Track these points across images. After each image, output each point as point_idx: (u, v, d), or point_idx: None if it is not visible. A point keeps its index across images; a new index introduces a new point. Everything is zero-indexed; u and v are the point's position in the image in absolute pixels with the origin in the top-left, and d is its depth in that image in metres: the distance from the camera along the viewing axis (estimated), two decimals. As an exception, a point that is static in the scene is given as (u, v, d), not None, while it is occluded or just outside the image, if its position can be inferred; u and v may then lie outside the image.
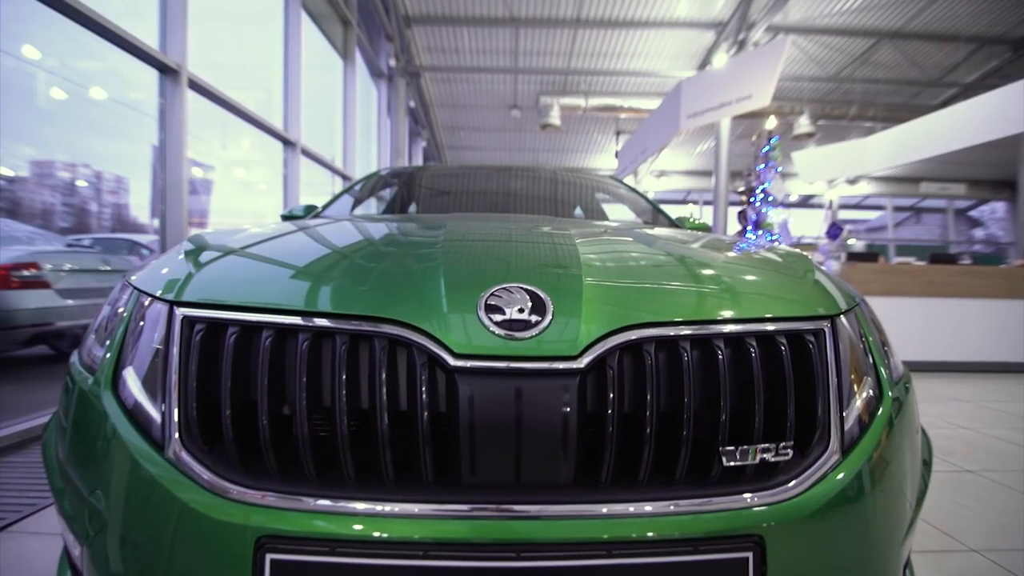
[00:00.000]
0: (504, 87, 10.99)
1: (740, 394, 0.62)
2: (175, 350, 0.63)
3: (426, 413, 0.57)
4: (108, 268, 4.75)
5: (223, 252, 0.81)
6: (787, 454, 0.61)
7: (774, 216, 3.85)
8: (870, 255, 5.03)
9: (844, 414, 0.67)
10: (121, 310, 0.79)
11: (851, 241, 7.69)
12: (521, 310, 0.61)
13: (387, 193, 2.43)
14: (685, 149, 14.22)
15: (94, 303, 4.45)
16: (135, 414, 0.64)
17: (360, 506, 0.55)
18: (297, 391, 0.58)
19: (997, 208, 17.90)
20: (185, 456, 0.58)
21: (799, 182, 12.53)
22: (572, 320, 0.61)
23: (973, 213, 19.06)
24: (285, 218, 2.01)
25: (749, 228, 4.20)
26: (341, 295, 0.64)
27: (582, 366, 0.59)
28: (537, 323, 0.61)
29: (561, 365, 0.58)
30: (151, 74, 3.42)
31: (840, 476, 0.62)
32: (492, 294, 0.63)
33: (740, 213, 4.48)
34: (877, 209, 19.10)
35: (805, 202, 17.60)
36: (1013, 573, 1.42)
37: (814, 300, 0.74)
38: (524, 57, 9.70)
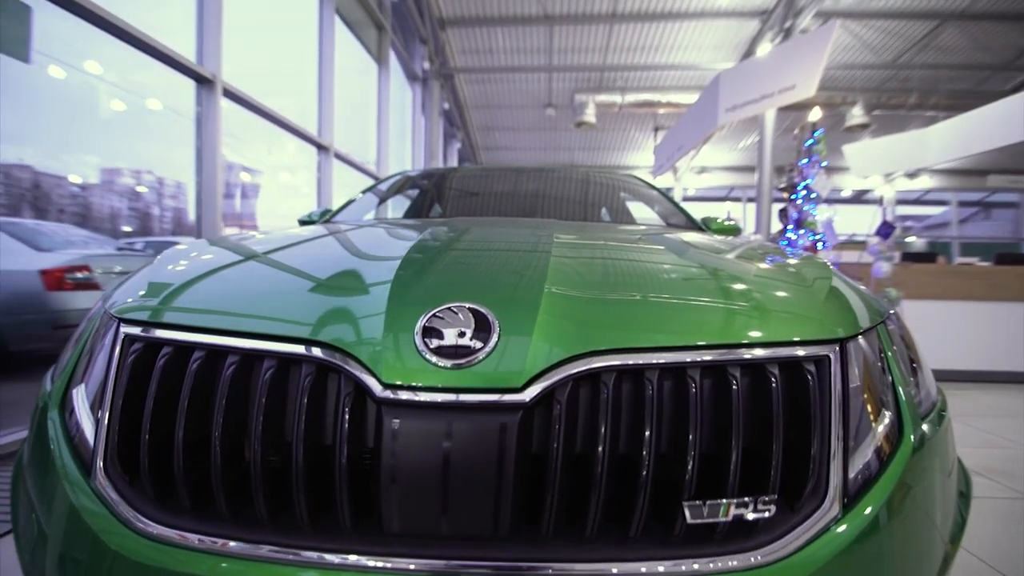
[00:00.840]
0: (538, 86, 10.90)
1: (717, 435, 0.53)
2: (113, 369, 0.60)
3: (345, 448, 0.51)
4: (154, 270, 5.02)
5: (180, 268, 0.78)
6: (768, 510, 0.51)
7: (818, 214, 3.60)
8: (928, 255, 4.64)
9: (849, 459, 0.56)
10: (84, 325, 0.78)
11: (910, 239, 7.16)
12: (461, 334, 0.54)
13: (408, 195, 2.41)
14: (728, 144, 13.69)
15: (141, 304, 4.69)
16: (74, 437, 0.62)
17: (270, 549, 0.50)
18: (215, 418, 0.53)
19: (1081, 201, 16.35)
20: (107, 484, 0.55)
21: (851, 177, 11.84)
22: (520, 345, 0.54)
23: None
24: (302, 222, 2.01)
25: (790, 227, 3.95)
26: (274, 314, 0.60)
27: (526, 400, 0.51)
28: (479, 349, 0.54)
29: (502, 398, 0.51)
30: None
31: (838, 535, 0.52)
32: (433, 315, 0.56)
33: (781, 211, 4.23)
34: (939, 204, 17.81)
35: (858, 198, 16.61)
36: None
37: (821, 318, 0.64)
38: (558, 55, 9.58)
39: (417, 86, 9.14)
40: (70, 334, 3.22)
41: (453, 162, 13.34)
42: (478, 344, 0.54)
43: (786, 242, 4.08)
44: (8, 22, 2.53)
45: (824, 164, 3.55)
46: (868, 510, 0.54)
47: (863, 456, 0.58)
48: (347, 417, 0.51)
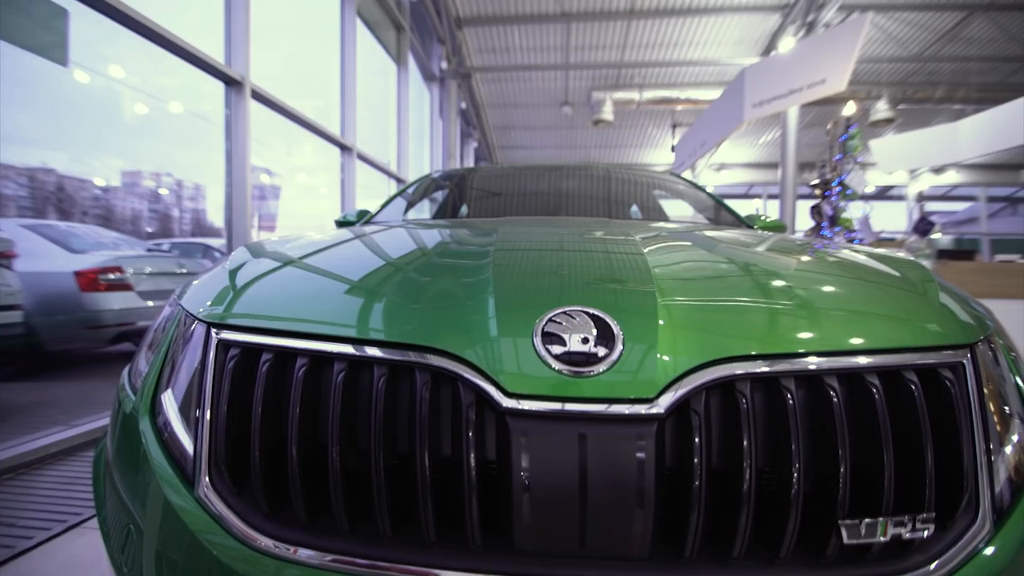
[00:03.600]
0: (555, 84, 10.85)
1: (860, 449, 0.50)
2: (209, 377, 0.59)
3: (473, 462, 0.48)
4: (184, 271, 5.06)
5: (265, 269, 0.77)
6: (927, 528, 0.48)
7: (853, 211, 3.52)
8: (965, 252, 4.51)
9: (994, 472, 0.52)
10: (166, 328, 0.76)
11: (936, 235, 6.98)
12: (585, 340, 0.52)
13: (439, 196, 2.40)
14: (747, 140, 13.50)
15: (169, 304, 4.75)
16: (169, 444, 0.60)
17: (394, 570, 0.48)
18: (331, 430, 0.51)
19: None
20: (212, 496, 0.53)
21: (877, 172, 11.59)
22: (648, 352, 0.51)
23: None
24: (339, 224, 2.00)
25: (824, 224, 3.87)
26: (381, 320, 0.58)
27: (661, 411, 0.48)
28: (605, 356, 0.51)
29: (635, 409, 0.48)
30: (220, 87, 3.58)
31: (991, 552, 0.48)
32: (550, 320, 0.53)
33: (814, 208, 4.14)
34: (965, 200, 17.37)
35: (883, 194, 16.28)
36: None
37: (945, 322, 0.60)
38: (575, 52, 9.51)
39: (434, 86, 9.15)
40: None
41: (470, 162, 13.34)
42: (602, 351, 0.51)
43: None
44: (45, 25, 2.56)
45: (860, 159, 3.47)
46: (1018, 523, 0.50)
47: (1006, 468, 0.54)
48: (474, 427, 0.49)
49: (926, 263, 3.49)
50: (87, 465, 2.09)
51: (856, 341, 0.54)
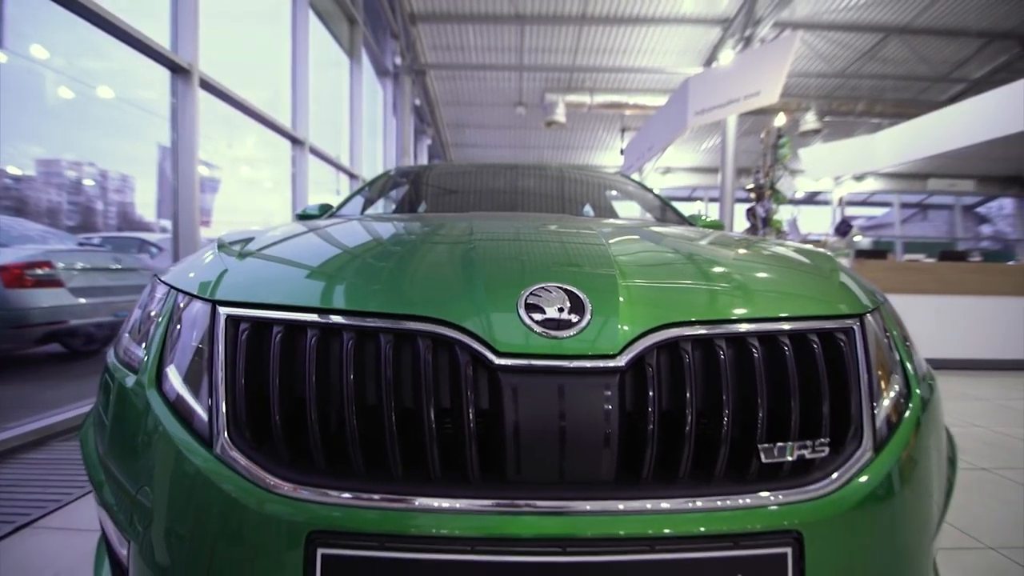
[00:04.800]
0: (509, 84, 10.97)
1: (775, 392, 0.63)
2: (220, 348, 0.65)
3: (471, 411, 0.58)
4: (119, 267, 4.78)
5: (259, 251, 0.82)
6: (823, 451, 0.62)
7: (783, 213, 3.85)
8: (879, 252, 5.01)
9: (875, 412, 0.67)
10: (158, 308, 0.80)
11: (857, 238, 7.64)
12: (561, 309, 0.62)
13: (399, 191, 2.44)
14: (691, 145, 14.17)
15: (106, 301, 4.48)
16: (178, 410, 0.65)
17: (409, 502, 0.56)
18: (345, 390, 0.59)
19: (1005, 204, 17.75)
20: (234, 452, 0.60)
21: (806, 179, 12.47)
22: (610, 319, 0.62)
23: (981, 209, 18.91)
24: (300, 217, 2.02)
25: (759, 225, 4.21)
26: (384, 294, 0.66)
27: (622, 364, 0.60)
28: (577, 323, 0.62)
29: (601, 363, 0.60)
30: (156, 73, 3.43)
31: (873, 473, 0.63)
32: (531, 293, 0.64)
33: (749, 210, 4.49)
34: (883, 206, 18.98)
35: (811, 199, 17.50)
36: (1031, 570, 1.42)
37: (843, 299, 0.75)
38: (529, 54, 9.68)
39: (388, 81, 9.05)
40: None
41: (424, 158, 13.25)
42: (575, 318, 0.62)
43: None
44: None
45: (789, 166, 3.80)
46: (893, 452, 0.65)
47: (884, 409, 0.69)
48: (471, 382, 0.59)
49: (845, 260, 3.86)
50: (25, 468, 2.01)
51: (773, 311, 0.68)
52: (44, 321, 4.10)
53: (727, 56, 7.55)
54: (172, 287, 0.80)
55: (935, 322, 4.58)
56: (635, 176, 10.68)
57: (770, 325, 0.66)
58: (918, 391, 0.75)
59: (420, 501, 0.56)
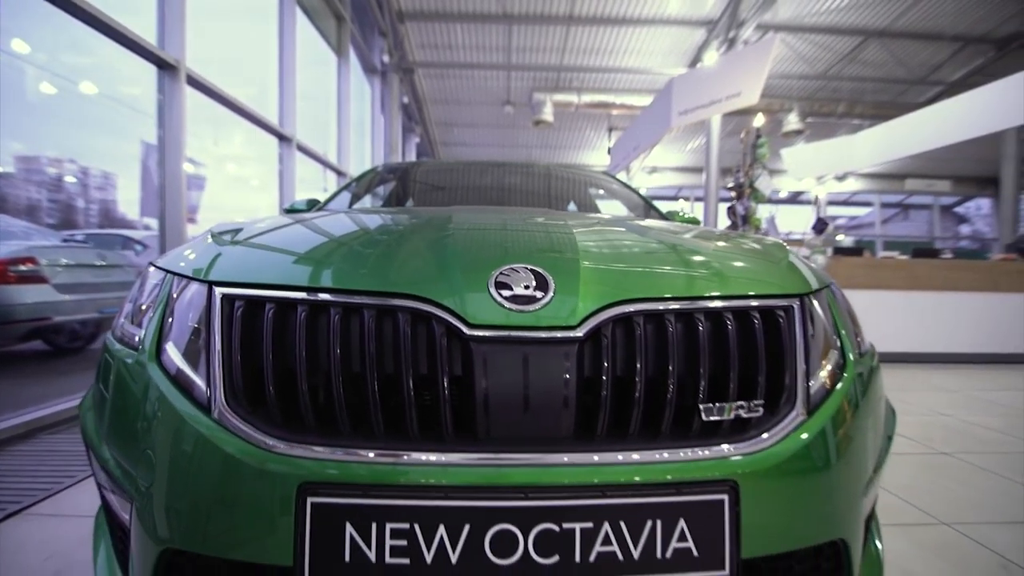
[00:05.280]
0: (497, 83, 11.03)
1: (719, 361, 0.71)
2: (216, 325, 0.71)
3: (446, 377, 0.65)
4: (104, 263, 4.75)
5: (250, 238, 0.88)
6: (758, 411, 0.70)
7: (762, 212, 3.97)
8: (855, 250, 5.16)
9: (811, 380, 0.75)
10: (155, 292, 0.86)
11: (839, 237, 7.83)
12: (527, 287, 0.69)
13: (386, 187, 2.49)
14: (677, 146, 14.34)
15: (90, 298, 4.45)
16: (179, 381, 0.71)
17: (389, 457, 0.63)
18: (333, 359, 0.66)
19: (983, 205, 18.20)
20: (231, 416, 0.65)
21: (788, 179, 12.71)
22: (571, 296, 0.69)
23: (959, 210, 19.38)
24: (288, 211, 2.06)
25: (738, 223, 4.32)
26: (368, 275, 0.72)
27: (580, 335, 0.67)
28: (541, 298, 0.69)
29: (561, 334, 0.67)
30: (140, 70, 3.44)
31: (804, 433, 0.71)
32: (501, 273, 0.71)
33: (729, 208, 4.62)
34: (865, 206, 19.35)
35: (795, 199, 17.79)
36: (978, 543, 1.53)
37: (786, 281, 0.83)
38: (517, 53, 9.74)
39: (376, 79, 9.05)
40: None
41: (412, 157, 13.25)
42: (539, 295, 0.69)
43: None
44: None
45: (767, 166, 3.92)
46: (824, 416, 0.73)
47: (820, 379, 0.77)
48: (446, 351, 0.65)
49: (821, 257, 3.98)
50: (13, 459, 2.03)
51: (719, 291, 0.75)
52: (28, 317, 4.07)
53: (712, 57, 7.68)
54: (168, 271, 0.86)
55: (908, 317, 4.74)
56: (621, 175, 10.80)
57: (715, 303, 0.73)
58: (854, 367, 0.83)
59: (399, 456, 0.63)
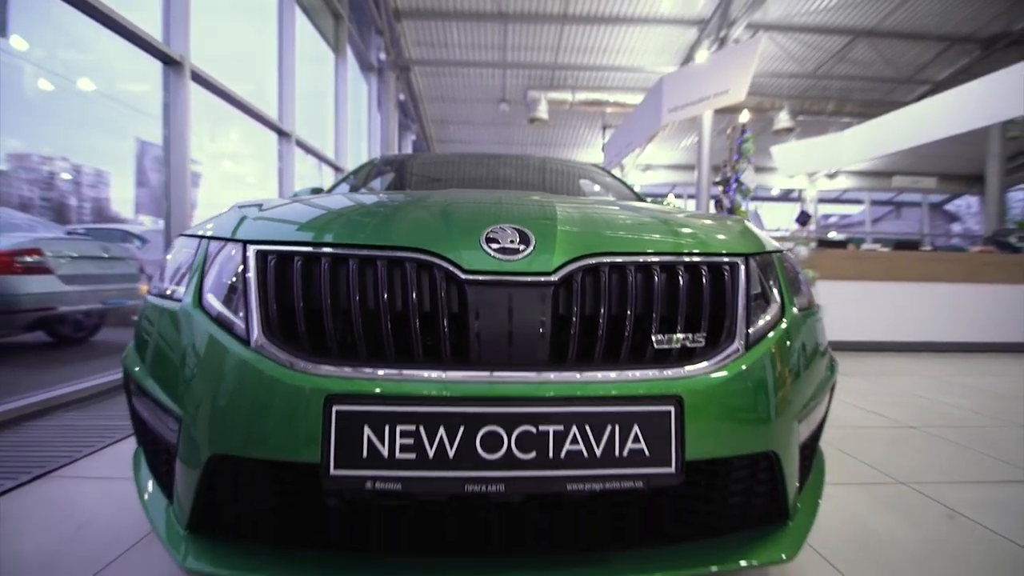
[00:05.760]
0: (492, 81, 11.16)
1: (672, 304, 0.86)
2: (252, 275, 0.84)
3: (446, 312, 0.80)
4: (107, 255, 4.84)
5: (274, 208, 1.02)
6: (700, 342, 0.85)
7: (746, 205, 4.14)
8: (839, 243, 5.33)
9: (751, 326, 0.90)
10: (192, 254, 0.99)
11: (831, 234, 7.99)
12: (512, 242, 0.84)
13: (383, 180, 2.62)
14: (670, 144, 14.51)
15: (94, 289, 4.55)
16: (220, 322, 0.85)
17: (398, 374, 0.77)
18: (352, 299, 0.80)
19: (972, 203, 18.48)
20: (268, 345, 0.79)
21: (780, 176, 12.92)
22: (548, 250, 0.84)
23: (950, 208, 19.66)
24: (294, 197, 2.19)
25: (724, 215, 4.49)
26: (381, 233, 0.87)
27: (554, 280, 0.82)
28: (523, 251, 0.83)
29: (539, 279, 0.82)
30: (136, 68, 3.51)
31: (742, 364, 0.85)
32: (490, 231, 0.86)
33: (716, 202, 4.77)
34: (857, 203, 19.62)
35: (786, 196, 18.01)
36: (932, 499, 1.68)
37: (735, 244, 0.97)
38: (512, 52, 9.87)
39: (373, 77, 9.17)
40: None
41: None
42: (522, 248, 0.83)
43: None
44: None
45: (753, 160, 4.08)
46: (759, 351, 0.88)
47: (759, 323, 0.92)
48: (445, 293, 0.80)
49: (804, 249, 4.14)
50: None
51: (674, 249, 0.90)
52: (33, 307, 4.16)
53: (703, 56, 7.83)
54: (203, 236, 1.00)
55: (889, 307, 4.91)
56: (615, 171, 10.93)
57: (669, 258, 0.88)
58: (790, 316, 0.97)
59: (406, 373, 0.77)
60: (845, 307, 4.74)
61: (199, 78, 3.77)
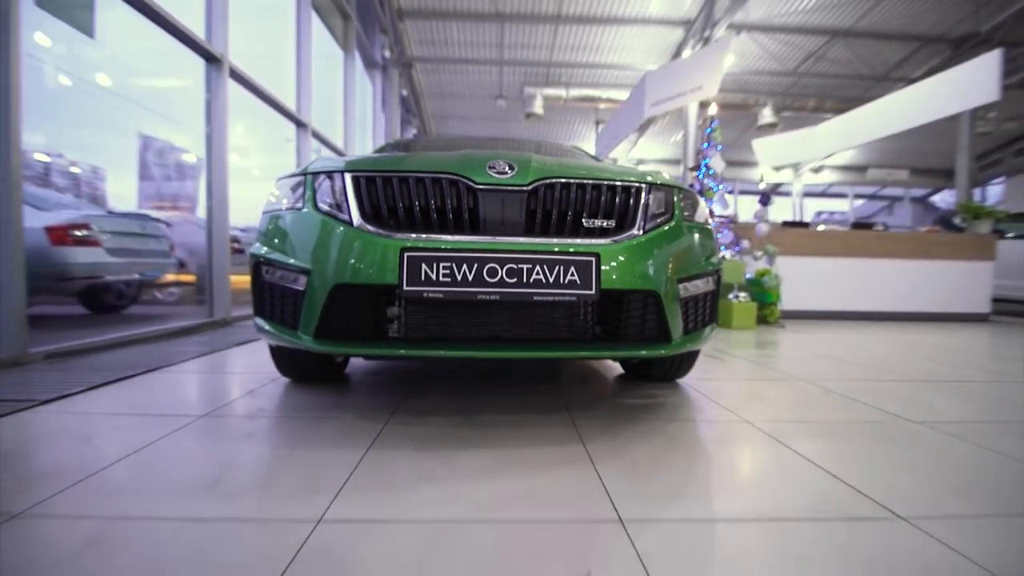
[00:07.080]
0: (490, 78, 11.70)
1: (598, 206, 1.44)
2: (350, 187, 1.42)
3: (467, 206, 1.39)
4: (143, 233, 5.36)
5: (349, 159, 1.59)
6: (612, 227, 1.43)
7: (715, 188, 4.72)
8: (802, 223, 5.92)
9: (648, 222, 1.48)
10: (299, 184, 1.56)
11: (820, 227, 8.56)
12: (504, 169, 1.42)
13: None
14: (661, 138, 15.09)
15: (132, 262, 5.07)
16: (330, 215, 1.43)
17: (439, 237, 1.35)
18: (413, 200, 1.39)
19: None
20: (367, 224, 1.37)
21: (769, 172, 13.48)
22: (524, 174, 1.42)
23: (938, 203, 20.29)
24: None
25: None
26: (426, 164, 1.45)
27: (528, 189, 1.40)
28: (510, 173, 1.41)
29: (519, 189, 1.40)
30: (140, 59, 3.85)
31: (634, 240, 1.43)
32: (490, 163, 1.44)
33: (689, 185, 5.35)
34: (842, 197, 20.24)
35: (774, 190, 18.61)
36: (817, 385, 2.25)
37: (641, 178, 1.55)
38: (509, 50, 10.42)
39: (377, 74, 9.69)
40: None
41: (409, 148, 13.83)
42: (509, 171, 1.41)
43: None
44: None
45: (720, 148, 4.65)
46: (650, 235, 1.45)
47: (655, 222, 1.50)
48: (465, 195, 1.38)
49: (766, 226, 4.73)
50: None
51: (600, 176, 1.48)
52: (84, 275, 4.70)
53: (688, 55, 8.40)
54: (306, 173, 1.57)
55: (845, 280, 5.50)
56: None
57: (598, 181, 1.46)
58: (677, 220, 1.55)
59: (444, 237, 1.34)
60: (803, 280, 5.33)
61: (235, 74, 4.20)
